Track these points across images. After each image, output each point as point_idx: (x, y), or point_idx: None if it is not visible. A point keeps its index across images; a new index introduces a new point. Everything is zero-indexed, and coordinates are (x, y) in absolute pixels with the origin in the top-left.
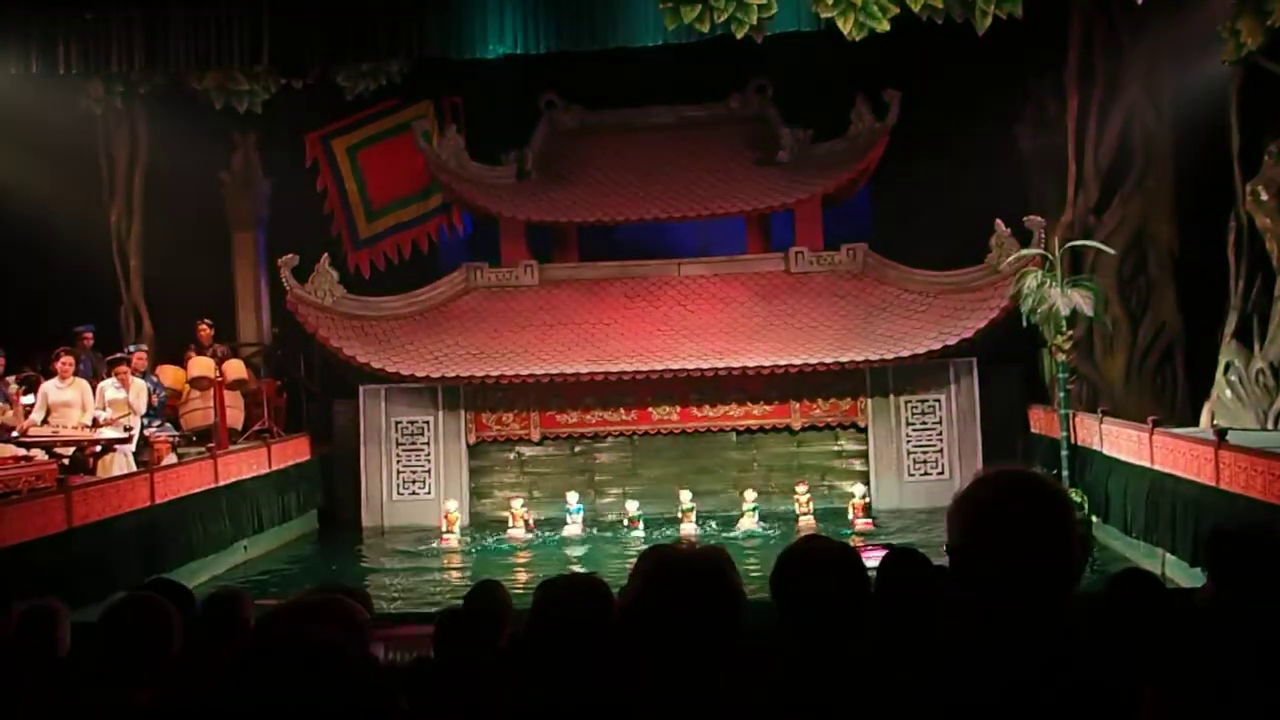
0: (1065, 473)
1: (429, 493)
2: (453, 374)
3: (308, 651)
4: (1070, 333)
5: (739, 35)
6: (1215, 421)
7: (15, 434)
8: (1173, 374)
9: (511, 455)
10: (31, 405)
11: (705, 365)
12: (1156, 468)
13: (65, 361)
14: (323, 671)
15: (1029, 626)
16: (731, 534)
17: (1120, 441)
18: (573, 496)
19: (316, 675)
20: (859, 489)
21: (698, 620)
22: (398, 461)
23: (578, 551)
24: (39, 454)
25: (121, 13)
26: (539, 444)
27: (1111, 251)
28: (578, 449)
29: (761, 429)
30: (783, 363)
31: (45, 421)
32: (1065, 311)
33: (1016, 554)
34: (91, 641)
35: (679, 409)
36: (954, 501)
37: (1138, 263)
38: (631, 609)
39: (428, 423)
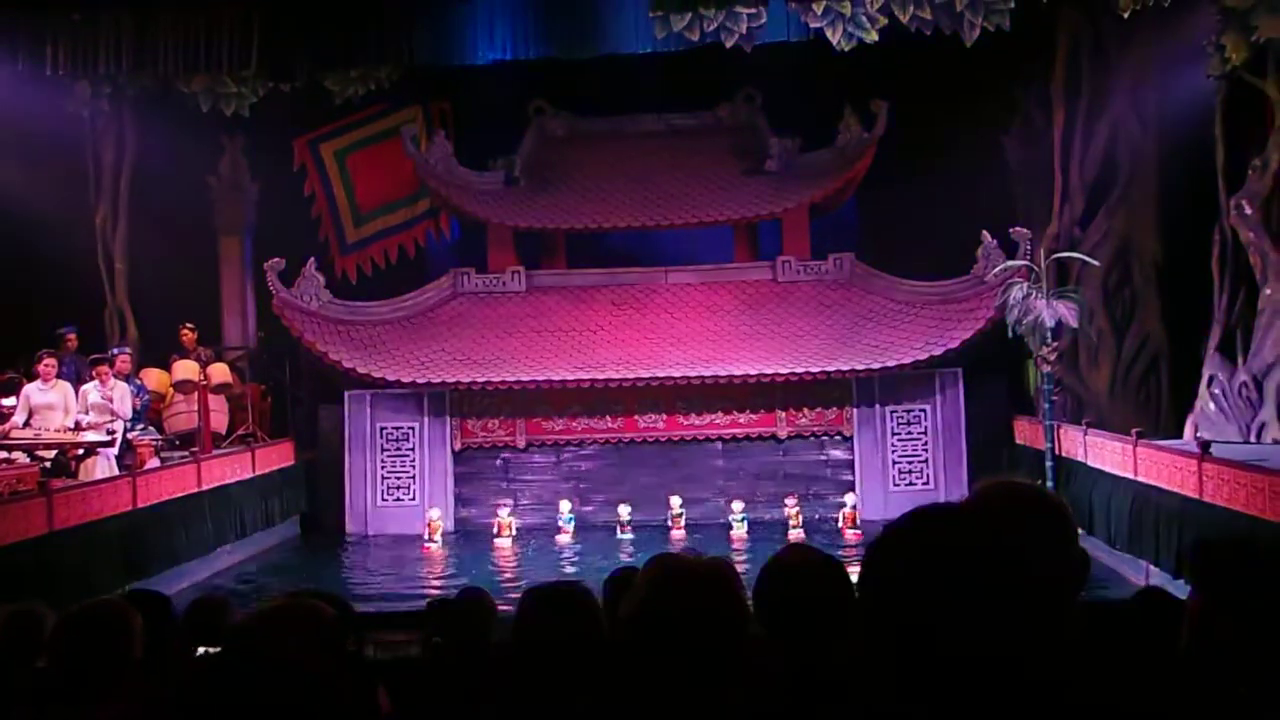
0: (1049, 484)
1: (414, 499)
2: (438, 380)
3: (266, 664)
4: (1055, 344)
5: (728, 44)
6: (1199, 434)
7: None
8: (1157, 386)
9: (497, 462)
10: (13, 408)
11: (692, 373)
12: (1140, 480)
13: (48, 364)
14: (281, 684)
15: (1027, 640)
16: (720, 542)
17: (1104, 453)
18: (565, 505)
19: (276, 688)
20: (849, 498)
21: (700, 631)
22: (382, 468)
23: (568, 556)
24: (20, 457)
25: (110, 14)
26: (525, 451)
27: (1096, 263)
28: (563, 456)
29: (747, 438)
30: (769, 371)
31: (27, 424)
32: (1050, 323)
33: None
34: (51, 653)
35: (665, 417)
36: None
37: (1122, 275)
38: (634, 617)
39: (413, 429)
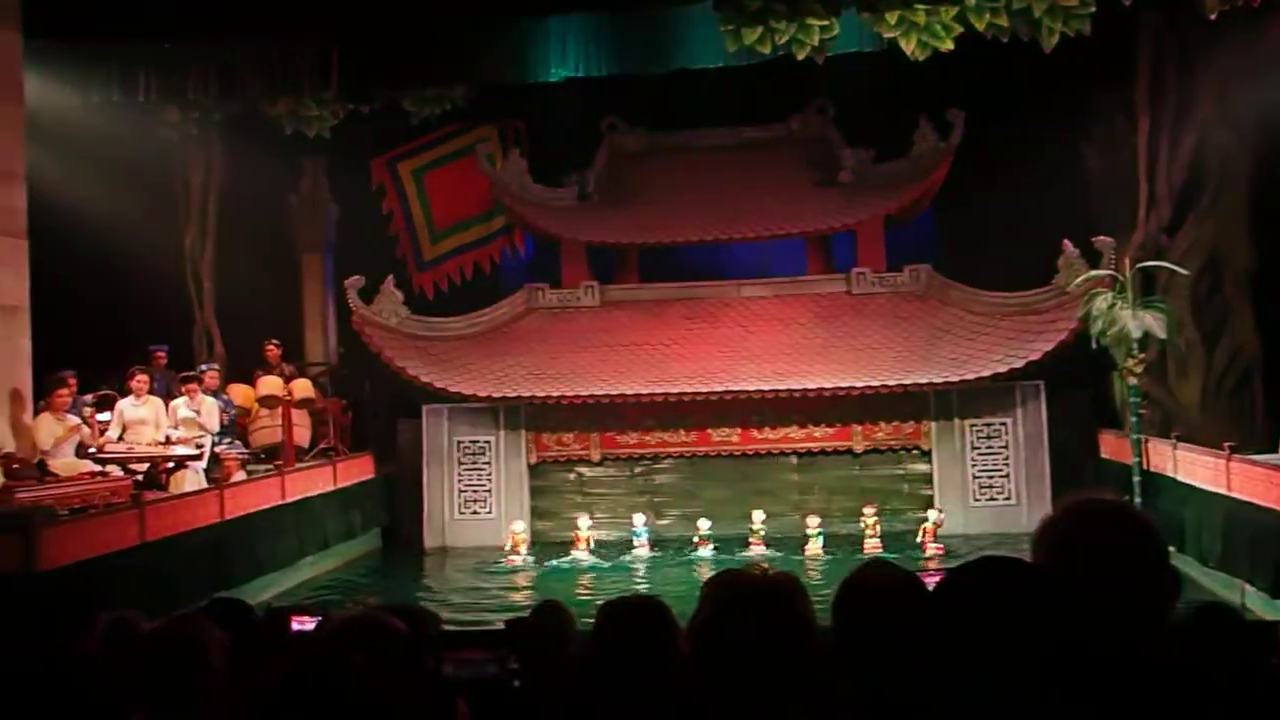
0: (1138, 500)
1: (490, 513)
2: (514, 394)
3: (337, 678)
4: (1142, 355)
5: (800, 56)
6: None
7: (92, 450)
8: (1250, 398)
9: (572, 476)
10: (108, 422)
11: (766, 387)
12: (1234, 495)
13: (140, 380)
14: (351, 698)
15: (1112, 659)
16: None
17: (1195, 468)
18: (639, 519)
19: (346, 701)
20: (931, 513)
21: (765, 647)
22: (459, 481)
23: (643, 572)
24: (114, 470)
25: (197, 43)
26: (599, 464)
27: (1185, 272)
28: (637, 470)
29: (823, 451)
30: (844, 385)
31: (121, 438)
32: (1137, 334)
33: (1103, 585)
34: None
35: (739, 431)
36: (1041, 527)
37: (1213, 284)
38: (699, 633)
39: (489, 442)
